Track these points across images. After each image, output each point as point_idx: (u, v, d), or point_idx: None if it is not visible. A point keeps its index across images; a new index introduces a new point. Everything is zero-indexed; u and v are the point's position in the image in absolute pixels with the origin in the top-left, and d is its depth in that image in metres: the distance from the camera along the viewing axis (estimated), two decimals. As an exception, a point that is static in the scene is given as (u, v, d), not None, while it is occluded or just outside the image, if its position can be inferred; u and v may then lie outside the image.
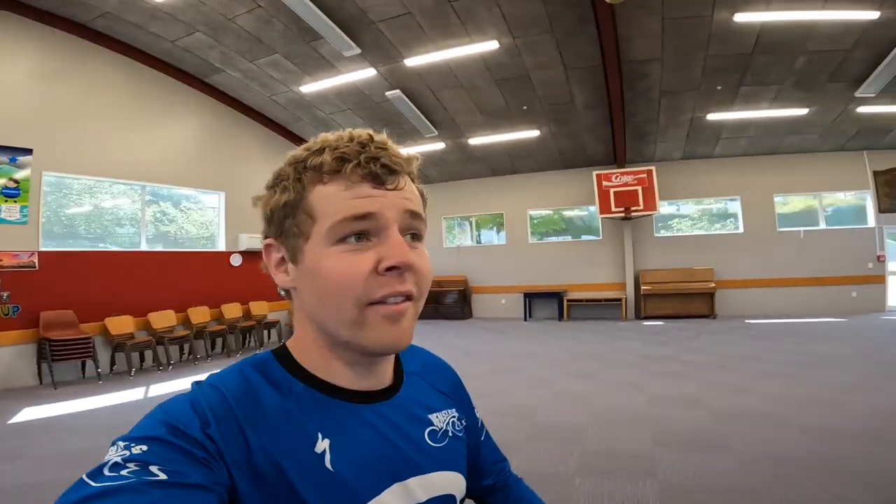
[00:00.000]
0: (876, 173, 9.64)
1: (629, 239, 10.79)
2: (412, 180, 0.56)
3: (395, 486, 0.53)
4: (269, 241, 0.55)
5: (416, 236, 0.54)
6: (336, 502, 0.48)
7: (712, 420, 3.77)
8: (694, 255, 10.45)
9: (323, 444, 0.50)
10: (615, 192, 10.32)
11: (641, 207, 10.13)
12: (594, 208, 10.90)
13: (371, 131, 0.54)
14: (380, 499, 0.51)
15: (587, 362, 6.24)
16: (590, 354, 6.79)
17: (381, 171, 0.50)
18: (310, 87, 8.39)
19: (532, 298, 11.34)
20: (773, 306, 9.83)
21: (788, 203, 10.44)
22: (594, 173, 10.56)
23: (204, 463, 0.43)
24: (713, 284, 9.97)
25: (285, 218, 0.52)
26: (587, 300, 11.00)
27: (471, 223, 13.15)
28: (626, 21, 6.46)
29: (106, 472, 0.39)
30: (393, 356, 0.60)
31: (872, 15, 6.19)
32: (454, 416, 0.65)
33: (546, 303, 11.30)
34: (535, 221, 12.09)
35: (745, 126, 9.23)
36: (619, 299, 10.72)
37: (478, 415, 0.75)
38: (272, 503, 0.45)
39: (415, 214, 0.53)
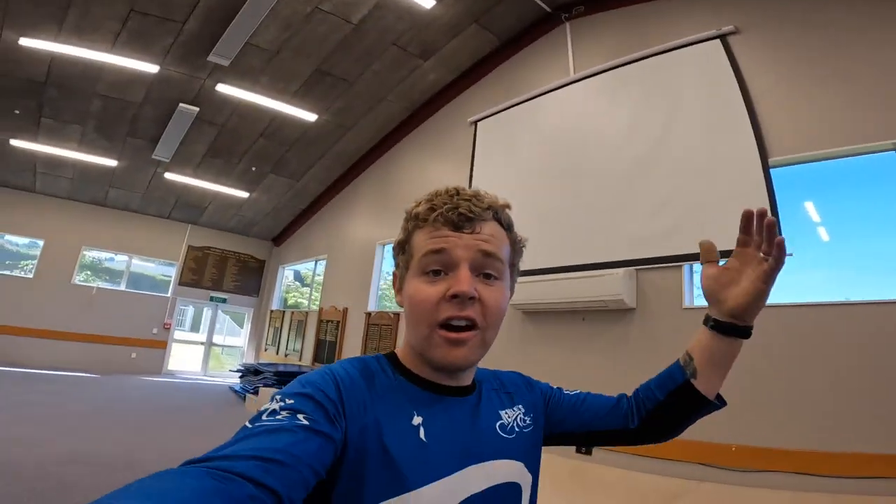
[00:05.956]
0: (190, 248, 10.49)
1: None
2: (503, 226, 0.67)
3: (472, 468, 0.62)
4: (394, 271, 0.71)
5: (488, 275, 0.63)
6: (422, 469, 0.57)
7: None
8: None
9: (418, 420, 0.61)
10: None
11: None
12: None
13: (462, 186, 0.67)
14: (460, 474, 0.60)
15: None
16: None
17: (457, 218, 0.62)
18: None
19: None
20: (63, 359, 8.94)
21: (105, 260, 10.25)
22: None
23: (332, 419, 0.53)
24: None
25: (399, 254, 0.68)
26: None
27: None
28: None
29: (264, 417, 0.50)
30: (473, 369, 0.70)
31: (152, 68, 5.62)
32: (521, 412, 0.74)
33: None
34: None
35: (61, 165, 8.16)
36: None
37: (557, 387, 0.83)
38: (367, 458, 0.55)
39: (488, 254, 0.63)
